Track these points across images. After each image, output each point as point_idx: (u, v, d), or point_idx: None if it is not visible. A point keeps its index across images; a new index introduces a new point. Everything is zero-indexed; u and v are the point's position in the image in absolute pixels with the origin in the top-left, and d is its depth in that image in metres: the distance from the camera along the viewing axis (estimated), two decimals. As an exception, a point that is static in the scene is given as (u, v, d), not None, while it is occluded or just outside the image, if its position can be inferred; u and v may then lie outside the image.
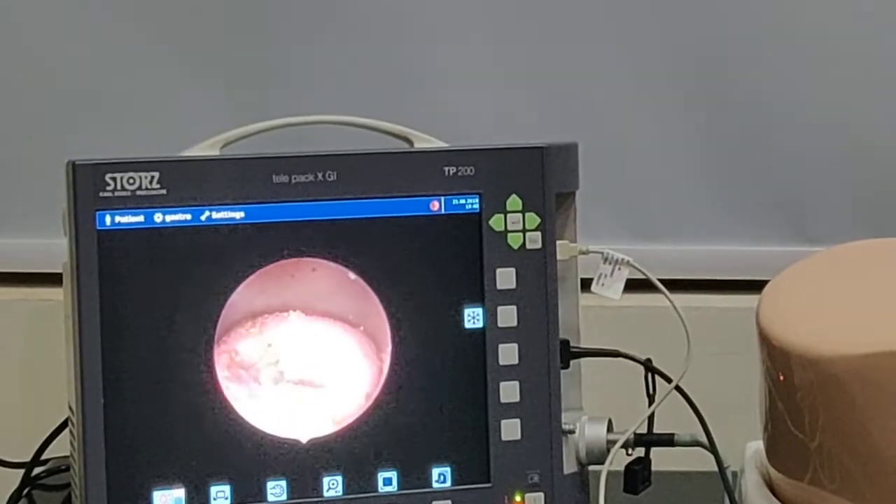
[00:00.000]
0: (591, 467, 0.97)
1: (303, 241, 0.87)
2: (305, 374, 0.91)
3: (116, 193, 0.82)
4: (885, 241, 0.98)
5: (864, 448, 0.82)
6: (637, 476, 0.96)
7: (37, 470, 1.06)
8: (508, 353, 0.91)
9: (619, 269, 0.94)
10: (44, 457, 1.07)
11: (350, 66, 1.33)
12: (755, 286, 0.94)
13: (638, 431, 0.94)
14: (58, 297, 0.95)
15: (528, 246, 0.89)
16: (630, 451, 0.96)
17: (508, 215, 0.89)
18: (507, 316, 0.90)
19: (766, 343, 0.85)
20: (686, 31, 1.35)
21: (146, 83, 1.33)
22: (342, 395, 0.91)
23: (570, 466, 0.94)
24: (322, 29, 1.32)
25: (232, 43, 1.33)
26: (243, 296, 0.87)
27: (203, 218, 0.83)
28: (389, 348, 0.89)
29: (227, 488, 0.84)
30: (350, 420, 0.88)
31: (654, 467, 0.97)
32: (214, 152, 0.90)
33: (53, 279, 1.01)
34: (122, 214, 0.82)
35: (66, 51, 1.33)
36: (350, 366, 0.91)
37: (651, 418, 0.93)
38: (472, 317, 0.89)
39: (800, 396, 0.85)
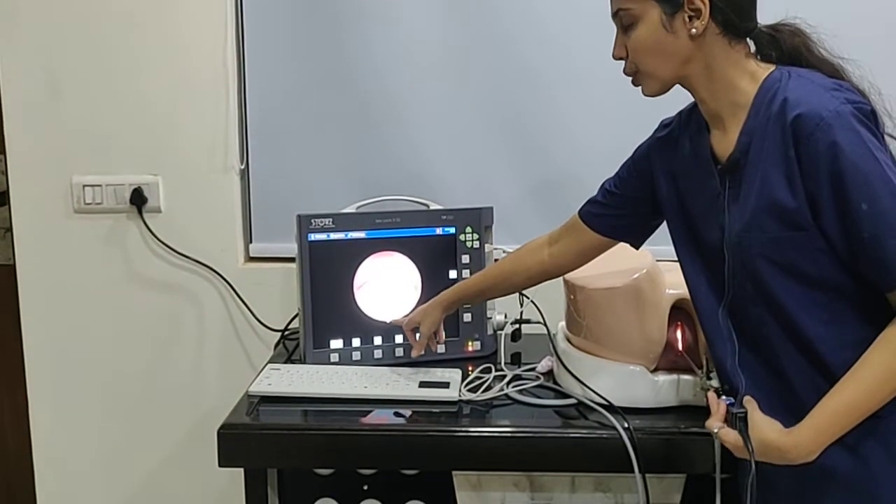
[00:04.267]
0: (498, 332, 1.83)
1: (387, 244, 1.76)
2: (389, 296, 1.77)
3: (314, 225, 1.73)
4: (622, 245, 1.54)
5: (598, 322, 1.51)
6: (515, 333, 1.82)
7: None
8: (466, 287, 1.76)
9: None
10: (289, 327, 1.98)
11: (393, 163, 2.02)
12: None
13: (515, 319, 1.81)
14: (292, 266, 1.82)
15: (474, 246, 1.79)
16: (514, 324, 1.82)
17: (466, 234, 1.78)
18: (466, 272, 1.77)
19: (566, 281, 1.57)
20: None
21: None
22: (401, 301, 1.78)
23: (489, 331, 1.83)
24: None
25: (361, 155, 2.03)
26: (363, 267, 1.75)
27: (348, 236, 1.75)
28: (420, 287, 1.77)
29: (358, 339, 1.77)
30: (405, 312, 1.75)
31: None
32: (353, 210, 1.83)
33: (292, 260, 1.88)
34: (316, 234, 1.73)
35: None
36: (404, 292, 1.78)
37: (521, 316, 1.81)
38: (453, 273, 1.79)
39: (577, 303, 1.54)
